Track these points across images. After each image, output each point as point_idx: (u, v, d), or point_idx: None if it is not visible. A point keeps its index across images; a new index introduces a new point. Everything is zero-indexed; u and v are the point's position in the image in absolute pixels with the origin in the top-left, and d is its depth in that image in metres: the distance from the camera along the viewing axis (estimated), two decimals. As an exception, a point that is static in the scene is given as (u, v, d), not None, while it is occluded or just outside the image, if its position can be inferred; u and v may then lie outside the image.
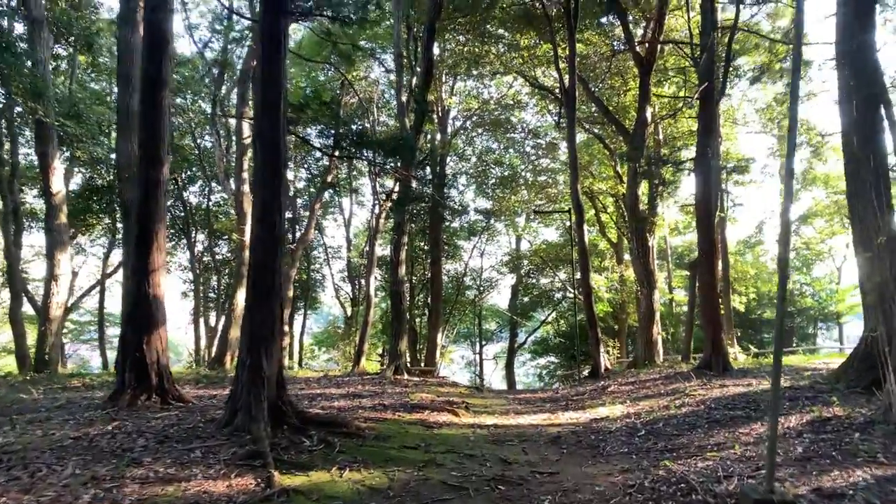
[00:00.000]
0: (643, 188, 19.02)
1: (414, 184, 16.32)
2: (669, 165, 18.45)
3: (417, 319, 34.27)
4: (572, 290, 33.65)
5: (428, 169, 32.16)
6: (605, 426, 8.83)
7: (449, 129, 31.76)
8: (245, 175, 17.77)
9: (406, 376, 15.17)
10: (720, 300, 16.97)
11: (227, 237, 28.20)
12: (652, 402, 10.67)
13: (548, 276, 37.70)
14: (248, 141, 17.51)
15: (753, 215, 79.79)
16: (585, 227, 16.86)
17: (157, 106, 9.42)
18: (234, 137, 21.04)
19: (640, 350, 17.32)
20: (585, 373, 16.55)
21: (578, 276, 17.12)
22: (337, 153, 10.91)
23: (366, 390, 12.24)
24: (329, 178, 22.35)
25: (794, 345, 31.15)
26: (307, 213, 35.32)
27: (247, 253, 17.68)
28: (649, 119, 18.53)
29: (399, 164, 12.37)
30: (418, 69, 16.45)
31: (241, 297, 17.09)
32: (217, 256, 31.85)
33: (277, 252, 7.48)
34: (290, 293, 22.69)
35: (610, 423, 9.00)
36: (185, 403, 9.18)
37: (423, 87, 15.80)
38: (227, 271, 31.12)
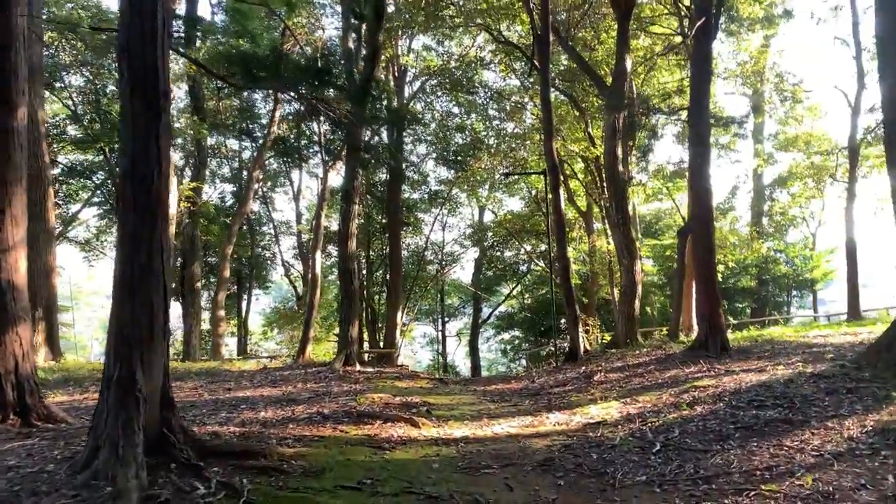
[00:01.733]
0: (622, 149, 17.13)
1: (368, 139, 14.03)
2: (659, 116, 16.60)
3: (376, 297, 32.15)
4: (538, 263, 31.99)
5: (385, 134, 29.90)
6: (605, 436, 6.93)
7: (406, 92, 29.38)
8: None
9: (359, 367, 13.11)
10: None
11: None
12: (652, 396, 8.84)
13: (512, 249, 35.98)
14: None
15: (725, 180, 78.79)
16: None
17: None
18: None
19: (621, 328, 15.58)
20: (556, 353, 14.75)
21: (550, 247, 15.20)
22: (241, 82, 8.65)
23: (306, 390, 10.13)
24: (270, 138, 19.75)
25: (767, 313, 30.11)
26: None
27: (171, 228, 15.26)
28: (629, 69, 16.58)
29: (339, 105, 10.14)
30: (367, 12, 14.09)
31: (164, 278, 14.78)
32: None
33: (156, 219, 5.27)
34: (226, 272, 20.23)
35: (611, 432, 7.11)
36: (55, 424, 6.94)
37: (374, 28, 13.49)
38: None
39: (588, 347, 14.68)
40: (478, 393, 10.81)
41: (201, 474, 5.09)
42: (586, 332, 16.66)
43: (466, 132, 29.02)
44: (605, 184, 22.51)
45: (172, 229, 15.10)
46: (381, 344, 26.84)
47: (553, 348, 27.92)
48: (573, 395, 9.74)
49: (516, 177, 26.96)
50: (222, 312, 19.49)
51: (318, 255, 15.95)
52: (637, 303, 15.66)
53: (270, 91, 18.67)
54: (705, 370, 10.37)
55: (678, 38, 17.79)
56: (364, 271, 31.65)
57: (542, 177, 25.68)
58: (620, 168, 16.58)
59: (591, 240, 25.56)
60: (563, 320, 34.04)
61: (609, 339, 17.06)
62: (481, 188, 33.28)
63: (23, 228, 7.24)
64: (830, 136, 25.62)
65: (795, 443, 5.92)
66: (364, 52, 14.01)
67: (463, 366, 41.54)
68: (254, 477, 5.18)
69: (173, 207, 15.07)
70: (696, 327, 22.42)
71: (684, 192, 31.87)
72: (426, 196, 32.74)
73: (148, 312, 5.18)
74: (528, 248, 34.39)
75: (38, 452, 5.73)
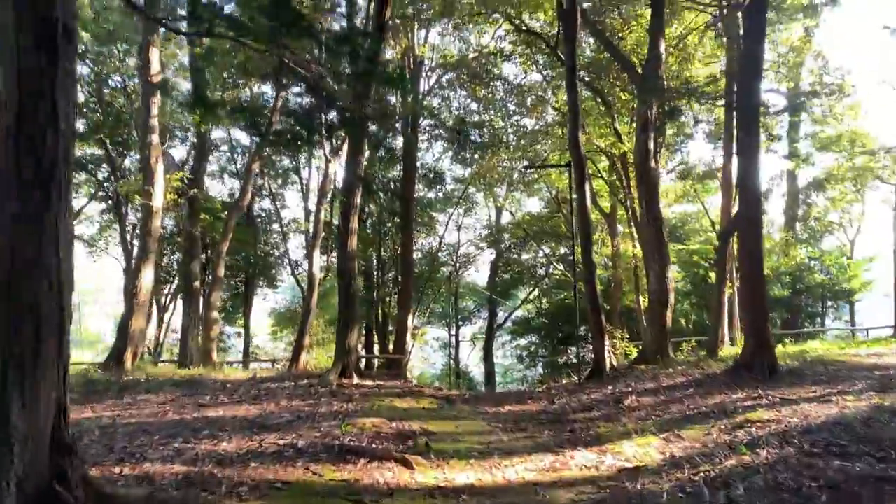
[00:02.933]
0: (654, 143, 15.54)
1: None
2: (696, 101, 15.01)
3: (388, 299, 30.71)
4: (558, 267, 30.43)
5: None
6: (647, 489, 5.44)
7: (422, 87, 27.94)
8: (154, 121, 13.84)
9: (356, 380, 11.70)
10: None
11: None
12: (699, 430, 7.33)
13: (530, 252, 34.46)
14: (157, 78, 13.62)
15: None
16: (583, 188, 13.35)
17: None
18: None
19: (651, 341, 14.02)
20: (579, 366, 13.24)
21: (574, 249, 13.75)
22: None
23: (289, 409, 8.74)
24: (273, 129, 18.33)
25: (800, 325, 28.26)
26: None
27: (156, 221, 13.99)
28: (663, 55, 15.04)
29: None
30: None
31: (146, 277, 13.44)
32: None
33: (49, 196, 3.90)
34: (221, 271, 18.89)
35: (653, 483, 5.61)
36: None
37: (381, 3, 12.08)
38: (171, 245, 27.25)
39: (615, 363, 13.14)
40: (488, 416, 9.34)
41: (98, 551, 3.74)
42: (613, 345, 15.12)
43: (485, 129, 27.49)
44: (631, 182, 20.98)
45: (157, 223, 13.81)
46: (391, 349, 25.40)
47: (575, 359, 26.41)
48: (601, 424, 8.23)
49: (537, 171, 25.25)
50: (216, 314, 18.15)
51: (317, 253, 14.54)
52: (669, 313, 14.08)
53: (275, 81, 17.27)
54: (756, 397, 8.82)
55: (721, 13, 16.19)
56: (376, 272, 30.33)
57: (565, 172, 24.13)
58: (652, 164, 15.02)
59: (615, 243, 23.94)
60: (584, 329, 32.45)
61: (636, 352, 15.48)
62: (498, 187, 31.80)
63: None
64: (873, 136, 23.78)
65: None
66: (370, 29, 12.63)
67: (477, 371, 40.03)
68: (174, 553, 3.80)
69: (159, 199, 13.79)
70: (727, 340, 20.89)
71: (714, 195, 30.23)
72: (441, 195, 31.29)
73: (32, 323, 3.81)
74: (547, 250, 32.86)
75: None
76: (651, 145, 15.18)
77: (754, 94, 10.06)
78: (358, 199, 12.73)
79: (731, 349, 18.43)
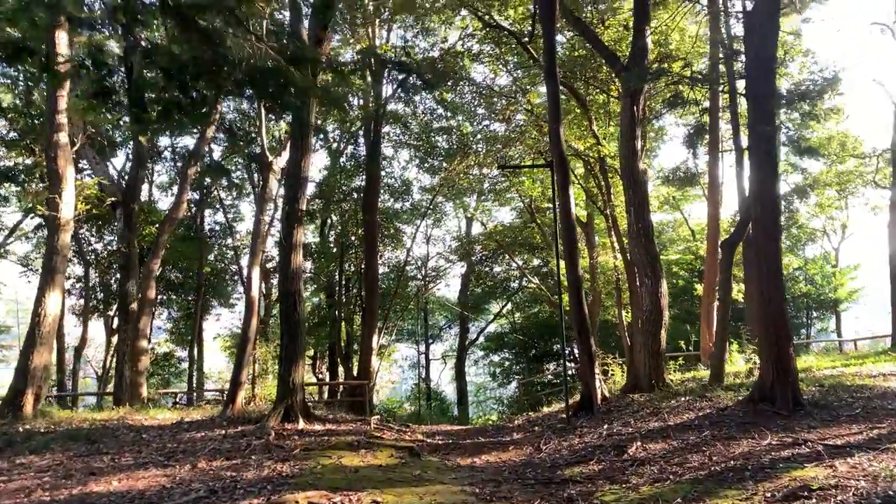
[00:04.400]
0: (641, 143, 13.97)
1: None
2: (701, 85, 13.44)
3: (354, 317, 28.63)
4: (532, 280, 28.76)
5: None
6: None
7: (385, 91, 26.14)
8: (61, 118, 11.66)
9: (302, 423, 9.72)
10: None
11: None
12: (731, 500, 5.60)
13: (503, 264, 32.81)
14: (65, 67, 11.53)
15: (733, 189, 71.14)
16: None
17: None
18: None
19: (644, 366, 12.32)
20: (566, 400, 11.48)
21: (556, 261, 12.07)
22: None
23: (204, 477, 6.76)
24: (207, 134, 16.28)
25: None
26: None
27: (65, 236, 11.85)
28: (650, 46, 13.52)
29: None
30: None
31: (51, 302, 11.26)
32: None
33: None
34: (151, 293, 16.63)
35: None
36: None
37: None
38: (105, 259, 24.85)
39: (606, 393, 11.40)
40: (462, 474, 7.47)
41: None
42: (604, 373, 13.45)
43: (453, 134, 25.81)
44: (612, 189, 19.45)
45: (66, 238, 11.66)
46: (355, 374, 23.40)
47: (555, 378, 24.73)
48: (606, 487, 6.43)
49: (509, 177, 23.58)
50: (144, 343, 15.84)
51: (257, 272, 12.48)
52: (663, 333, 12.43)
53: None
54: (791, 443, 7.15)
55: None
56: (337, 288, 28.31)
57: (538, 178, 22.49)
58: (641, 166, 13.43)
59: (594, 255, 22.38)
60: (559, 346, 30.73)
61: (626, 379, 13.78)
62: (468, 196, 30.14)
63: None
64: (861, 138, 22.74)
65: None
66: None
67: (449, 389, 38.15)
68: None
69: (69, 210, 11.69)
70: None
71: (693, 202, 29.06)
72: (408, 205, 29.47)
73: None
74: (521, 262, 31.25)
75: None
76: (638, 145, 13.63)
77: (769, 75, 8.52)
78: (303, 206, 10.83)
79: (729, 368, 16.93)
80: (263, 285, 27.92)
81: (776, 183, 8.87)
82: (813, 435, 7.44)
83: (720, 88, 14.60)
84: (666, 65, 16.57)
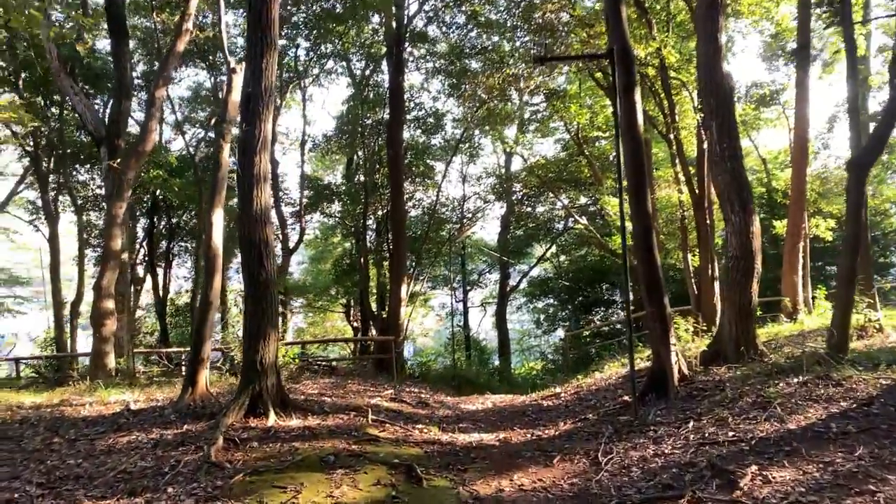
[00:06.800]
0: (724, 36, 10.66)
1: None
2: None
3: (384, 263, 26.16)
4: (579, 220, 25.62)
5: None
6: None
7: (412, 8, 22.85)
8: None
9: (272, 419, 7.21)
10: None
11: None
12: None
13: (546, 203, 29.69)
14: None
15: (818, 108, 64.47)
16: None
17: None
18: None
19: (730, 328, 9.42)
20: (633, 380, 8.72)
21: (620, 193, 9.10)
22: None
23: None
24: (179, 46, 13.49)
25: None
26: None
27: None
28: None
29: None
30: None
31: None
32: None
33: None
34: (116, 243, 14.15)
35: None
36: None
37: None
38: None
39: (684, 369, 8.61)
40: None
41: None
42: (677, 336, 10.61)
43: (488, 53, 22.44)
44: (676, 107, 16.06)
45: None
46: (384, 326, 21.09)
47: (605, 327, 21.80)
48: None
49: (556, 64, 19.53)
50: (110, 304, 13.43)
51: (220, 214, 9.78)
52: (755, 286, 9.45)
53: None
54: None
55: None
56: (367, 233, 25.83)
57: (588, 102, 19.06)
58: (724, 68, 10.18)
59: (652, 188, 19.10)
60: (611, 293, 27.76)
61: (706, 344, 10.89)
62: (507, 127, 26.94)
63: None
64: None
65: None
66: None
67: (489, 338, 35.85)
68: None
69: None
70: (802, 309, 16.24)
71: (769, 127, 25.21)
72: (440, 140, 26.48)
73: None
74: (566, 201, 28.12)
75: None
76: (722, 39, 10.38)
77: None
78: (269, 127, 8.07)
79: (811, 321, 13.98)
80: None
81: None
82: None
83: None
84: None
